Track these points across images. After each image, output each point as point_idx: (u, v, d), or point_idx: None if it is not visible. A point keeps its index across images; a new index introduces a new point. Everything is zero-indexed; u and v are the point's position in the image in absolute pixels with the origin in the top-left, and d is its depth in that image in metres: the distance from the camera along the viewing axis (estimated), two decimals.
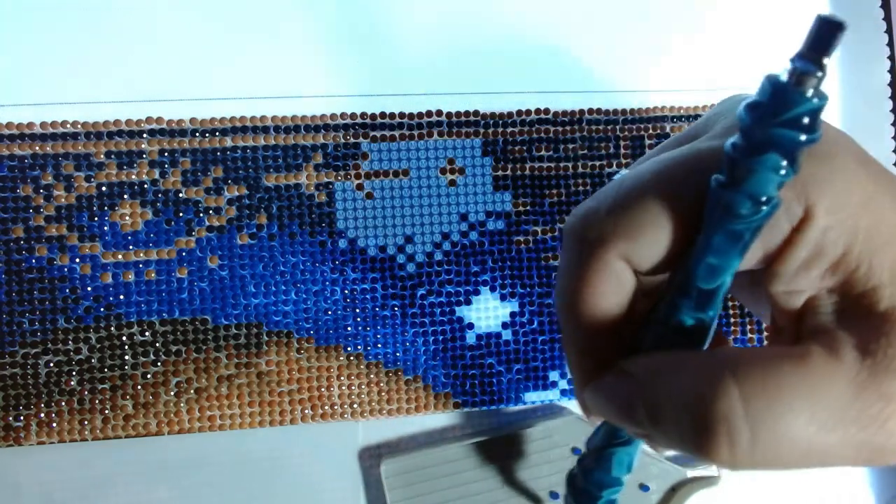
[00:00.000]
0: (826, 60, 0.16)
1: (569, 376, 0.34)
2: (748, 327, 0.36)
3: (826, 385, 0.16)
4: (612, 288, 0.19)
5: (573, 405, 0.34)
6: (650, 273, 0.19)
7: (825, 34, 0.15)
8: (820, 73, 0.16)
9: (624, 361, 0.19)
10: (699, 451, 0.17)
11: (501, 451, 0.33)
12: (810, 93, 0.16)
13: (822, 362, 0.17)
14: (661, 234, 0.18)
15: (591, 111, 0.35)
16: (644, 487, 0.33)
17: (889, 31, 0.38)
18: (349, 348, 0.33)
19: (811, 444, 0.16)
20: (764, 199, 0.17)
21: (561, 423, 0.33)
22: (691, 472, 0.34)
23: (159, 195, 0.32)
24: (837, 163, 0.18)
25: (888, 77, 0.38)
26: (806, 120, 0.16)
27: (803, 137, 0.16)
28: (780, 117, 0.16)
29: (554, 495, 0.32)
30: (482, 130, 0.34)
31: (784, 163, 0.16)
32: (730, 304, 0.36)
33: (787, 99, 0.16)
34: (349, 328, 0.33)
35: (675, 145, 0.21)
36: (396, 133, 0.34)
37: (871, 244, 0.17)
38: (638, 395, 0.18)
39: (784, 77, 0.16)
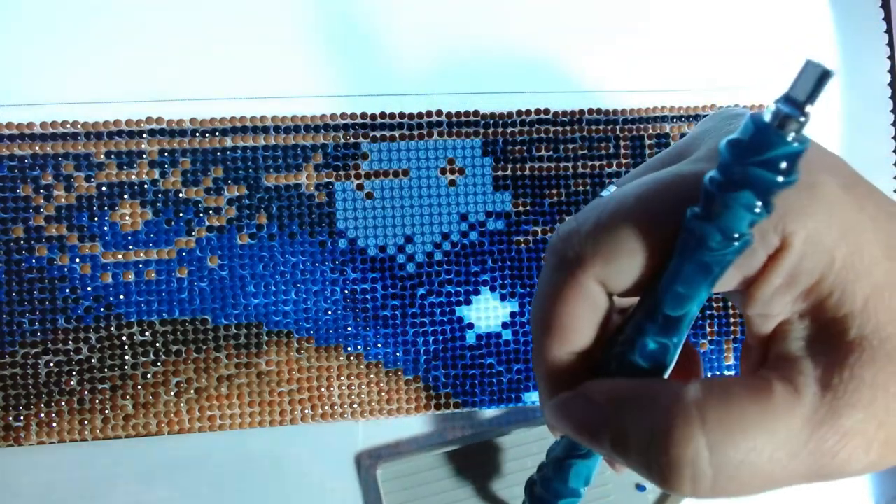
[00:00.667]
0: (809, 107, 0.16)
1: None
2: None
3: (785, 422, 0.17)
4: (585, 309, 0.20)
5: None
6: (624, 295, 0.20)
7: (812, 80, 0.16)
8: (802, 118, 0.16)
9: (589, 383, 0.20)
10: (663, 485, 0.18)
11: (498, 454, 0.33)
12: (791, 136, 0.16)
13: (783, 399, 0.17)
14: (637, 259, 0.19)
15: (591, 111, 0.35)
16: (640, 487, 0.33)
17: (889, 31, 0.38)
18: (349, 348, 0.33)
19: (769, 477, 0.17)
20: (736, 235, 0.17)
21: None
22: None
23: (159, 195, 0.32)
24: (819, 191, 0.18)
25: (888, 77, 0.38)
26: (784, 164, 0.16)
27: (780, 179, 0.16)
28: (758, 157, 0.16)
29: None
30: (482, 130, 0.34)
31: (759, 203, 0.16)
32: (729, 303, 0.36)
33: (768, 140, 0.16)
34: (349, 328, 0.33)
35: (661, 165, 0.21)
36: (396, 133, 0.34)
37: (847, 274, 0.17)
38: (601, 422, 0.19)
39: (767, 118, 0.16)
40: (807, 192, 0.18)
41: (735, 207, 0.17)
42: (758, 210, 0.17)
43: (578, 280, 0.20)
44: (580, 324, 0.20)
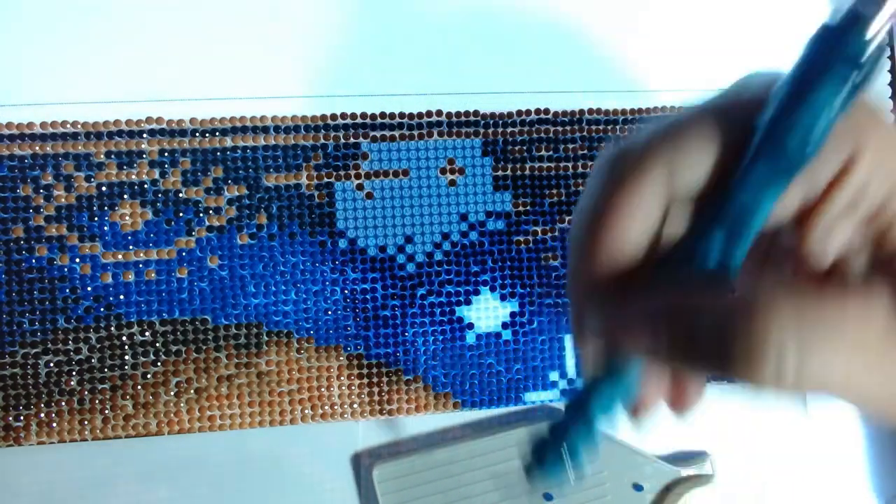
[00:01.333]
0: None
1: (568, 374, 0.34)
2: None
3: (866, 324, 0.17)
4: (644, 209, 0.18)
5: None
6: (684, 199, 0.19)
7: None
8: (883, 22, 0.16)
9: (645, 298, 0.19)
10: (742, 371, 0.17)
11: (497, 454, 0.33)
12: (875, 32, 0.16)
13: (861, 303, 0.17)
14: (708, 152, 0.18)
15: (591, 111, 0.35)
16: (638, 487, 0.33)
17: (889, 30, 0.38)
18: (349, 348, 0.33)
19: (850, 380, 0.17)
20: (811, 135, 0.17)
21: None
22: (685, 472, 0.34)
23: (159, 195, 0.32)
24: (882, 118, 0.18)
25: (888, 77, 0.38)
26: (869, 56, 0.16)
27: (862, 75, 0.16)
28: (845, 47, 0.16)
29: (548, 496, 0.32)
30: (482, 130, 0.34)
31: (839, 97, 0.16)
32: None
33: (857, 32, 0.16)
34: (349, 328, 0.33)
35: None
36: (396, 133, 0.34)
37: None
38: (668, 317, 0.18)
39: (858, 8, 0.16)
40: (875, 115, 0.18)
41: (815, 101, 0.16)
42: (838, 104, 0.16)
43: (644, 165, 0.18)
44: (634, 229, 0.19)
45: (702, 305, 0.17)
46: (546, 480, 0.22)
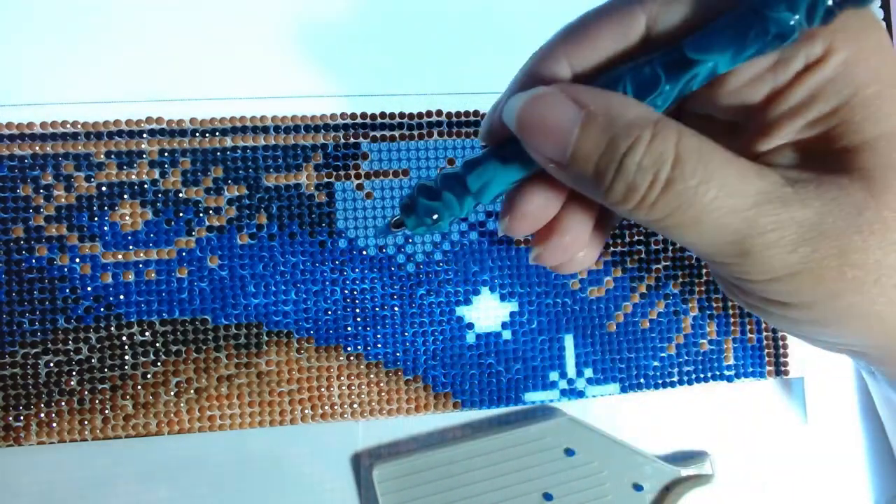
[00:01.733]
0: None
1: (568, 372, 0.34)
2: (748, 327, 0.36)
3: (744, 182, 0.18)
4: (623, 27, 0.20)
5: (567, 406, 0.34)
6: (662, 35, 0.20)
7: None
8: None
9: (570, 84, 0.20)
10: (614, 185, 0.19)
11: (496, 454, 0.33)
12: None
13: (752, 169, 0.19)
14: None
15: None
16: (638, 487, 0.33)
17: (889, 31, 0.38)
18: (349, 348, 0.33)
19: (702, 215, 0.18)
20: (794, 18, 0.17)
21: (554, 425, 0.33)
22: (685, 471, 0.34)
23: (159, 195, 0.32)
24: (875, 35, 0.19)
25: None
26: None
27: None
28: None
29: (547, 496, 0.32)
30: None
31: None
32: (729, 303, 0.36)
33: None
34: (349, 328, 0.33)
35: None
36: (396, 133, 0.34)
37: (862, 112, 0.19)
38: (580, 122, 0.19)
39: None
40: (865, 28, 0.18)
41: None
42: None
43: None
44: (610, 33, 0.20)
45: (617, 112, 0.19)
46: (403, 232, 0.23)
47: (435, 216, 0.21)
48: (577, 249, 0.23)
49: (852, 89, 0.19)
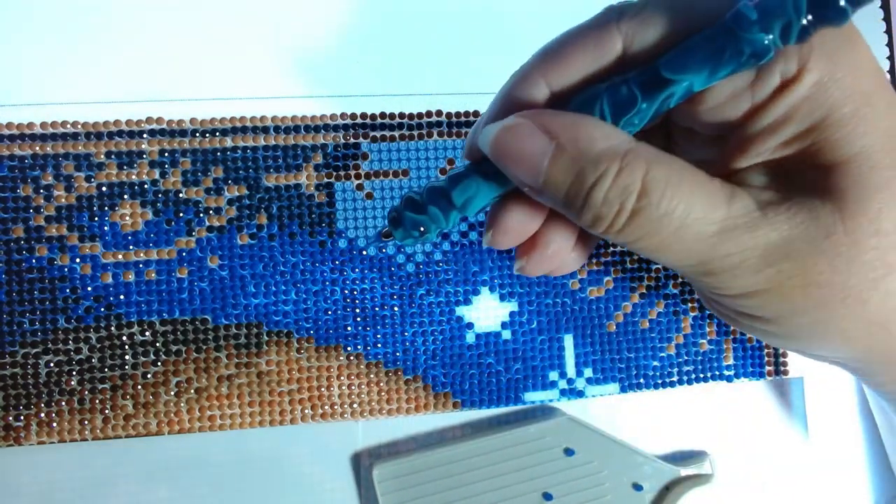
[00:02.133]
0: None
1: (568, 372, 0.34)
2: (747, 341, 0.36)
3: (713, 206, 0.19)
4: (600, 47, 0.20)
5: (567, 406, 0.34)
6: (637, 55, 0.20)
7: None
8: None
9: (542, 111, 0.20)
10: (584, 211, 0.20)
11: (496, 454, 0.33)
12: None
13: (723, 191, 0.19)
14: (668, 18, 0.19)
15: None
16: (637, 487, 0.33)
17: (889, 31, 0.38)
18: (349, 348, 0.33)
19: (670, 239, 0.19)
20: (768, 37, 0.17)
21: (553, 425, 0.33)
22: (685, 471, 0.34)
23: (159, 195, 0.32)
24: (856, 55, 0.19)
25: (888, 77, 0.38)
26: None
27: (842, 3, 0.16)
28: None
29: (547, 496, 0.32)
30: None
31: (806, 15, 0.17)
32: None
33: None
34: (349, 328, 0.33)
35: None
36: (396, 133, 0.34)
37: (836, 132, 0.19)
38: (550, 154, 0.19)
39: None
40: (841, 45, 0.19)
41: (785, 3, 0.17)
42: (802, 20, 0.17)
43: (606, 16, 0.20)
44: (587, 53, 0.20)
45: (585, 145, 0.19)
46: (393, 242, 0.23)
47: (422, 229, 0.22)
48: (560, 259, 0.24)
49: (826, 108, 0.19)
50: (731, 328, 0.36)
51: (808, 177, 0.20)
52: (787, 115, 0.19)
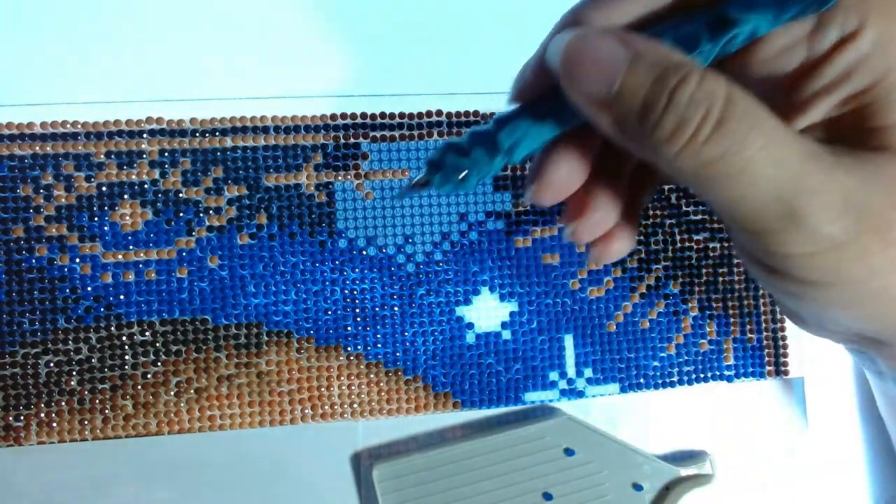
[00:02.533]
0: None
1: (568, 372, 0.34)
2: (748, 327, 0.36)
3: (785, 147, 0.18)
4: None
5: (567, 406, 0.34)
6: None
7: None
8: None
9: (621, 30, 0.19)
10: (663, 124, 0.18)
11: (496, 454, 0.33)
12: None
13: (796, 135, 0.18)
14: None
15: None
16: (637, 487, 0.33)
17: None
18: (349, 348, 0.33)
19: (740, 176, 0.18)
20: None
21: (553, 425, 0.33)
22: (685, 471, 0.34)
23: (159, 195, 0.32)
24: None
25: None
26: None
27: None
28: None
29: (547, 496, 0.32)
30: None
31: None
32: (729, 303, 0.36)
33: None
34: (349, 328, 0.33)
35: None
36: (396, 133, 0.34)
37: None
38: (628, 58, 0.18)
39: None
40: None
41: None
42: None
43: None
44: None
45: (665, 52, 0.18)
46: (429, 188, 0.22)
47: (463, 173, 0.21)
48: (605, 226, 0.23)
49: (884, 68, 0.18)
50: (732, 328, 0.36)
51: (864, 137, 0.19)
52: (844, 72, 0.19)
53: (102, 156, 0.32)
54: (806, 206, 0.18)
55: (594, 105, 0.19)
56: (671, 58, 0.18)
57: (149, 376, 0.31)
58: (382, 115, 0.34)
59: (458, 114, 0.34)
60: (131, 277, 0.32)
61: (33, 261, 0.31)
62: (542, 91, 0.20)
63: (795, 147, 0.18)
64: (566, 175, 0.22)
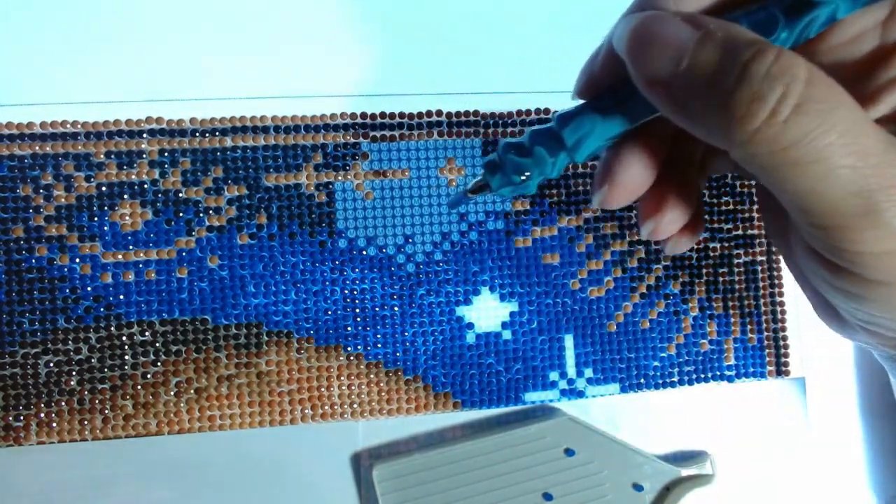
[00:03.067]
0: None
1: (568, 372, 0.34)
2: (748, 327, 0.36)
3: (864, 131, 0.16)
4: None
5: (567, 406, 0.34)
6: None
7: None
8: None
9: (689, 12, 0.18)
10: (738, 104, 0.16)
11: (496, 454, 0.33)
12: None
13: (870, 120, 0.17)
14: None
15: None
16: (638, 487, 0.33)
17: None
18: (349, 348, 0.33)
19: (816, 158, 0.16)
20: None
21: (553, 425, 0.33)
22: (685, 471, 0.34)
23: (159, 195, 0.32)
24: None
25: None
26: None
27: None
28: None
29: (547, 496, 0.32)
30: (482, 130, 0.34)
31: None
32: (729, 303, 0.36)
33: None
34: (349, 328, 0.33)
35: None
36: (396, 133, 0.34)
37: None
38: (697, 37, 0.17)
39: None
40: None
41: None
42: None
43: None
44: None
45: (737, 30, 0.17)
46: (487, 192, 0.21)
47: (525, 174, 0.20)
48: (683, 221, 0.22)
49: None
50: (732, 328, 0.36)
51: None
52: None
53: (102, 156, 0.32)
54: (884, 202, 0.16)
55: (661, 85, 0.18)
56: (744, 34, 0.16)
57: (149, 376, 0.31)
58: (382, 115, 0.34)
59: (458, 114, 0.34)
60: (131, 277, 0.32)
61: (33, 261, 0.31)
62: (608, 85, 0.20)
63: (877, 137, 0.16)
64: (638, 175, 0.21)
